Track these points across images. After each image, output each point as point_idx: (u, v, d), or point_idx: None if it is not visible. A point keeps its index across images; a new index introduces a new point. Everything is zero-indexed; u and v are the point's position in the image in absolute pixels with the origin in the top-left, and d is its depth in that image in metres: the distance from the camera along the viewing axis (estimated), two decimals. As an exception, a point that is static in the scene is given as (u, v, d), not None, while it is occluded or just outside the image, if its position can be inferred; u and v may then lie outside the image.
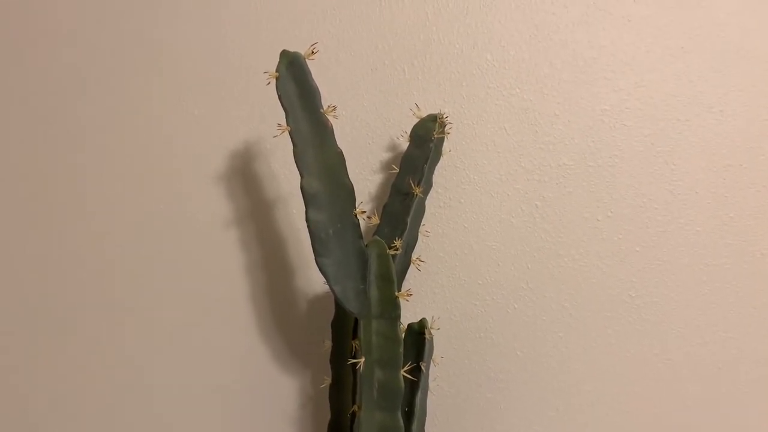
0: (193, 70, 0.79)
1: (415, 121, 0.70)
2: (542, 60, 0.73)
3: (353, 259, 0.61)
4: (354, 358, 0.61)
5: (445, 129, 0.69)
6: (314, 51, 0.59)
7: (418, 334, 0.64)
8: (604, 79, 0.72)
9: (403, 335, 0.61)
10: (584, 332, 0.73)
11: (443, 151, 0.71)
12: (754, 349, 0.70)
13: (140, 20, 0.80)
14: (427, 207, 0.71)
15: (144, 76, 0.80)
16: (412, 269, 0.69)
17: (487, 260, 0.74)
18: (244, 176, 0.78)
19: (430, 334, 0.64)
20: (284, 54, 0.59)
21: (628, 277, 0.72)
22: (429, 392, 0.67)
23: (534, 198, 0.73)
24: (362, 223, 0.64)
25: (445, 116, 0.69)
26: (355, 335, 0.65)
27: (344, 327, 0.68)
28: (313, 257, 0.59)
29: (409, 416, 0.63)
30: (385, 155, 0.76)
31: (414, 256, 0.69)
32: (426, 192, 0.69)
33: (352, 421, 0.63)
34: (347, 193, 0.61)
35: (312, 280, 0.76)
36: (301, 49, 0.61)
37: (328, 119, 0.60)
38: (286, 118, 0.59)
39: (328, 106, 0.60)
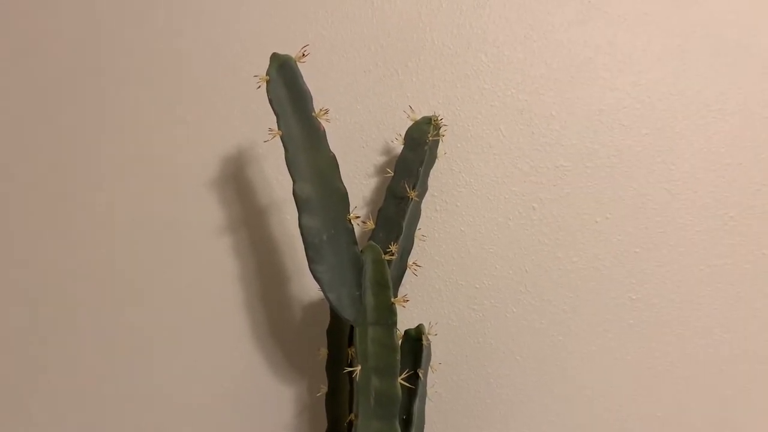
0: (184, 76, 0.78)
1: (410, 123, 0.69)
2: (537, 60, 0.72)
3: (348, 265, 0.60)
4: (350, 366, 0.61)
5: (440, 131, 0.69)
6: (305, 53, 0.58)
7: (416, 341, 0.64)
8: (600, 78, 0.72)
9: (400, 342, 0.61)
10: (584, 336, 0.72)
11: (438, 154, 0.71)
12: (755, 349, 0.70)
13: (132, 27, 0.79)
14: (422, 211, 0.71)
15: (135, 83, 0.79)
16: (408, 274, 0.69)
17: (484, 264, 0.73)
18: (236, 182, 0.77)
19: (428, 340, 0.64)
20: (275, 57, 0.58)
21: (628, 279, 0.71)
22: (427, 399, 0.66)
23: (531, 200, 0.73)
24: (357, 228, 0.63)
25: (439, 118, 0.69)
26: (351, 343, 0.64)
27: (340, 334, 0.67)
28: (307, 264, 0.58)
29: (407, 424, 0.63)
30: (380, 158, 0.75)
31: (410, 261, 0.68)
32: (421, 195, 0.69)
33: (349, 430, 0.62)
34: (341, 197, 0.60)
35: (307, 287, 0.76)
36: (293, 51, 0.60)
37: (320, 123, 0.59)
38: (277, 122, 0.58)
39: (320, 110, 0.59)
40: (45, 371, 0.80)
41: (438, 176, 0.73)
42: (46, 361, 0.80)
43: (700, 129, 0.71)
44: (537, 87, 0.72)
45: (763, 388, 0.70)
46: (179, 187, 0.78)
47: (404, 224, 0.65)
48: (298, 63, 0.59)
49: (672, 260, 0.71)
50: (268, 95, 0.57)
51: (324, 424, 0.68)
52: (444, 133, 0.70)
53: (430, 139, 0.66)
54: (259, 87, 0.57)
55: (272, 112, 0.58)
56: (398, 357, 0.59)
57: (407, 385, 0.60)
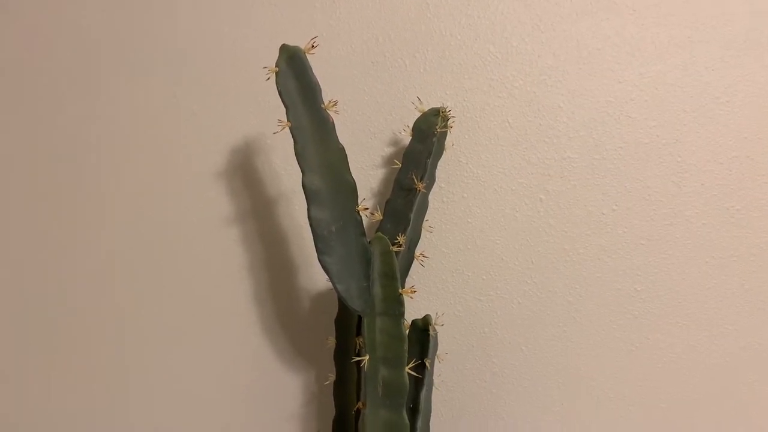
0: (192, 67, 0.78)
1: (417, 115, 0.69)
2: (546, 51, 0.72)
3: (356, 256, 0.60)
4: (358, 355, 0.61)
5: (448, 123, 0.68)
6: (314, 45, 0.58)
7: (423, 331, 0.64)
8: (608, 70, 0.71)
9: (407, 332, 0.61)
10: (590, 327, 0.72)
11: (446, 146, 0.71)
12: (760, 341, 0.70)
13: (139, 18, 0.79)
14: (430, 202, 0.71)
15: (144, 74, 0.79)
16: (415, 265, 0.69)
17: (491, 255, 0.73)
18: (245, 173, 0.78)
19: (435, 330, 0.64)
20: (284, 48, 0.58)
21: (634, 271, 0.72)
22: (434, 389, 0.67)
23: (538, 192, 0.73)
24: (365, 219, 0.63)
25: (447, 110, 0.68)
26: (358, 333, 0.65)
27: (348, 324, 0.68)
28: (316, 255, 0.58)
29: (414, 413, 0.63)
30: (387, 150, 0.75)
31: (417, 252, 0.69)
32: (429, 187, 0.69)
33: (357, 419, 0.63)
34: (349, 189, 0.60)
35: (315, 278, 0.76)
36: (301, 43, 0.60)
37: (329, 115, 0.59)
38: (286, 113, 0.58)
39: (329, 101, 0.59)
40: (55, 361, 0.80)
41: (446, 167, 0.73)
42: (57, 350, 0.80)
43: (707, 122, 0.70)
44: (545, 78, 0.72)
45: (767, 380, 0.70)
46: (188, 178, 0.78)
47: (412, 216, 0.65)
48: (307, 54, 0.58)
49: (678, 252, 0.71)
50: (277, 87, 0.57)
51: (332, 412, 0.69)
52: (452, 124, 0.70)
53: (438, 130, 0.66)
54: (269, 78, 0.57)
55: (280, 103, 0.58)
56: (406, 347, 0.59)
57: (414, 374, 0.61)
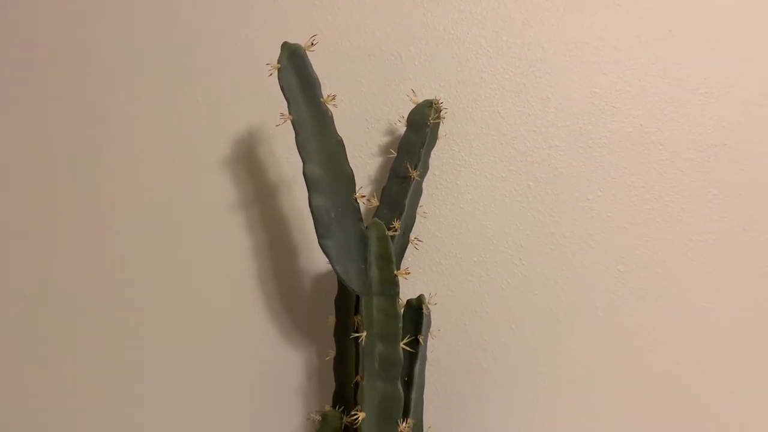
0: (197, 61, 0.80)
1: (412, 106, 0.71)
2: (534, 45, 0.74)
3: (354, 240, 0.63)
4: (356, 332, 0.64)
5: (441, 114, 0.71)
6: (314, 42, 0.61)
7: (417, 310, 0.66)
8: (594, 62, 0.74)
9: (402, 311, 0.64)
10: (575, 306, 0.75)
11: (439, 135, 0.73)
12: (736, 318, 0.73)
13: (149, 16, 0.81)
14: (424, 189, 0.73)
15: (152, 67, 0.81)
16: (410, 248, 0.72)
17: (482, 239, 0.76)
18: (249, 162, 0.80)
19: (428, 309, 0.67)
20: (285, 46, 0.61)
21: (617, 253, 0.74)
22: (427, 363, 0.69)
23: (527, 179, 0.75)
24: (362, 206, 0.66)
25: (440, 102, 0.71)
26: (357, 311, 0.67)
27: (347, 304, 0.70)
28: (317, 240, 0.61)
29: (408, 386, 0.65)
30: (384, 139, 0.77)
31: (412, 236, 0.71)
32: (423, 175, 0.71)
33: (356, 391, 0.66)
34: (348, 178, 0.63)
35: (316, 261, 0.78)
36: (301, 38, 0.63)
37: (328, 108, 0.62)
38: (288, 107, 0.61)
39: (328, 96, 0.62)
40: (65, 351, 0.82)
41: (439, 156, 0.75)
42: (65, 342, 0.82)
43: (687, 111, 0.73)
44: (533, 71, 0.74)
45: (743, 355, 0.73)
46: (194, 166, 0.80)
47: (406, 202, 0.68)
48: (307, 51, 0.61)
49: (659, 236, 0.73)
50: (279, 82, 0.60)
51: (332, 385, 0.71)
52: (444, 115, 0.72)
53: (431, 121, 0.68)
54: (271, 74, 0.60)
55: (280, 95, 0.61)
56: (400, 324, 0.62)
57: (408, 349, 0.63)
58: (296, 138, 0.61)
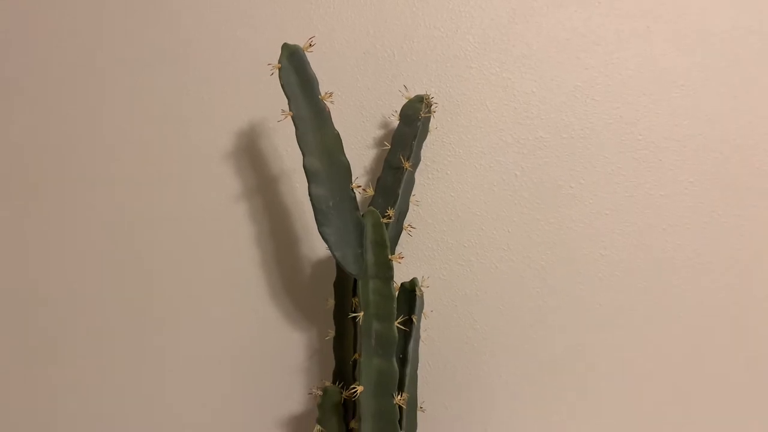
0: (202, 61, 0.82)
1: (404, 101, 0.73)
2: (519, 42, 0.77)
3: (351, 227, 0.66)
4: (354, 313, 0.66)
5: (431, 108, 0.73)
6: (312, 44, 0.64)
7: (410, 292, 0.68)
8: (576, 58, 0.76)
9: (397, 293, 0.66)
10: (559, 287, 0.77)
11: (430, 128, 0.76)
12: (710, 298, 0.75)
13: (159, 17, 0.83)
14: (416, 179, 0.75)
15: (161, 66, 0.83)
16: (404, 235, 0.74)
17: (471, 225, 0.78)
18: (251, 155, 0.82)
19: (421, 291, 0.68)
20: (285, 47, 0.63)
21: (599, 238, 0.76)
22: (421, 342, 0.71)
23: (514, 168, 0.78)
24: (358, 195, 0.68)
25: (430, 97, 0.73)
26: (354, 294, 0.69)
27: (345, 287, 0.72)
28: (316, 227, 0.64)
29: (403, 362, 0.67)
30: (378, 133, 0.80)
31: (405, 224, 0.73)
32: (415, 166, 0.73)
33: (354, 368, 0.68)
34: (344, 169, 0.66)
35: (315, 247, 0.81)
36: (299, 38, 0.65)
37: (325, 105, 0.64)
38: (288, 104, 0.63)
39: (326, 93, 0.64)
40: (75, 333, 0.85)
41: (430, 148, 0.78)
42: (76, 324, 0.85)
43: (664, 103, 0.75)
44: (519, 66, 0.77)
45: (715, 333, 0.76)
46: (199, 159, 0.82)
47: (400, 191, 0.70)
48: (305, 51, 0.64)
49: (638, 221, 0.76)
50: (280, 81, 0.62)
51: (332, 364, 0.73)
52: (435, 109, 0.74)
53: (422, 115, 0.71)
54: (272, 74, 0.63)
55: (281, 92, 0.63)
56: (395, 305, 0.64)
57: (403, 328, 0.65)
58: (296, 132, 0.63)
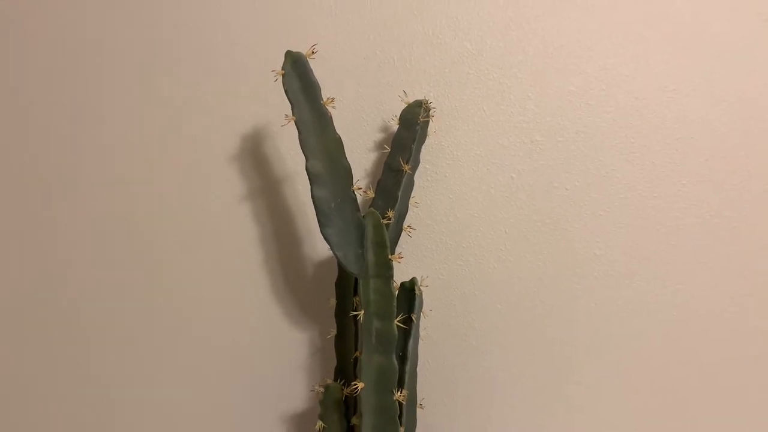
0: (208, 67, 0.83)
1: (404, 106, 0.75)
2: (516, 48, 0.78)
3: (352, 228, 0.67)
4: (355, 311, 0.67)
5: (430, 113, 0.74)
6: (314, 51, 0.66)
7: (410, 291, 0.69)
8: (570, 64, 0.77)
9: (397, 292, 0.67)
10: (556, 287, 0.78)
11: (429, 132, 0.77)
12: (703, 296, 0.77)
13: (166, 24, 0.84)
14: (416, 181, 0.76)
15: (168, 72, 0.84)
16: (404, 236, 0.76)
17: (469, 226, 0.79)
18: (255, 157, 0.83)
19: (420, 290, 0.69)
20: (288, 54, 0.65)
21: (594, 238, 0.77)
22: (420, 340, 0.72)
23: (510, 171, 0.79)
24: (359, 197, 0.69)
25: (429, 102, 0.74)
26: (355, 293, 0.71)
27: (346, 286, 0.73)
28: (318, 228, 0.65)
29: (403, 360, 0.69)
30: (378, 136, 0.81)
31: (405, 225, 0.74)
32: (414, 168, 0.74)
33: (355, 366, 0.69)
34: (346, 172, 0.67)
35: (317, 248, 0.82)
36: (303, 43, 0.67)
37: (327, 109, 0.66)
38: (291, 109, 0.65)
39: (327, 98, 0.66)
40: (78, 332, 0.86)
41: (429, 151, 0.79)
42: (79, 323, 0.86)
43: (657, 107, 0.76)
44: (515, 72, 0.78)
45: (712, 331, 0.77)
46: (205, 161, 0.83)
47: (400, 193, 0.71)
48: (308, 58, 0.65)
49: (631, 222, 0.77)
50: (283, 87, 0.64)
51: (333, 361, 0.75)
52: (433, 113, 0.76)
53: (421, 119, 0.72)
54: (276, 80, 0.64)
55: (284, 96, 0.64)
56: (395, 303, 0.65)
57: (402, 326, 0.66)
58: (299, 136, 0.65)
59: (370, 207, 0.71)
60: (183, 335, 0.86)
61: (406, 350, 0.69)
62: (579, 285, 0.79)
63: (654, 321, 0.78)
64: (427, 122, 0.75)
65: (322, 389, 0.71)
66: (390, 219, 0.69)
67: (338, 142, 0.67)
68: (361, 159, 0.81)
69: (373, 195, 0.73)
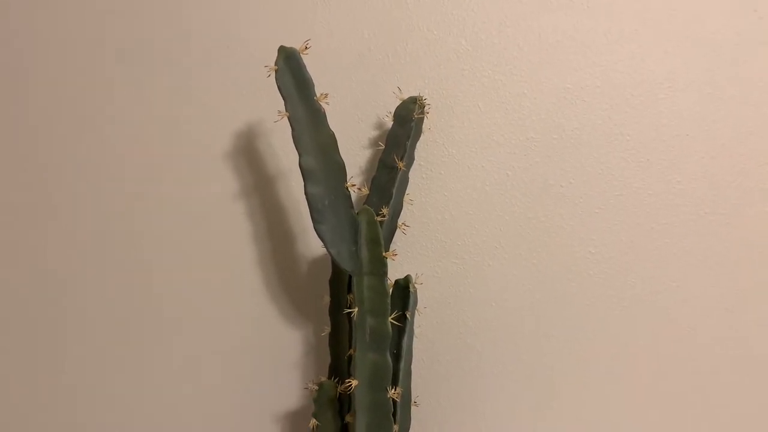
0: (201, 62, 0.83)
1: (398, 102, 0.75)
2: (511, 44, 0.78)
3: (346, 225, 0.67)
4: (349, 309, 0.67)
5: (425, 109, 0.74)
6: (308, 46, 0.66)
7: (404, 288, 0.70)
8: (565, 60, 0.77)
9: (391, 289, 0.68)
10: (550, 285, 0.78)
11: (424, 129, 0.77)
12: (696, 293, 0.77)
13: (158, 19, 0.84)
14: (410, 178, 0.76)
15: (160, 68, 0.84)
16: (398, 233, 0.76)
17: (464, 224, 0.80)
18: (248, 154, 0.83)
19: (414, 287, 0.70)
20: (282, 49, 0.65)
21: (589, 236, 0.78)
22: (414, 338, 0.73)
23: (505, 168, 0.79)
24: (353, 194, 0.69)
25: (424, 98, 0.74)
26: (349, 290, 0.71)
27: (340, 283, 0.73)
28: (312, 225, 0.65)
29: (397, 357, 0.69)
30: (373, 133, 0.81)
31: (400, 222, 0.74)
32: (409, 165, 0.74)
33: (349, 363, 0.69)
34: (339, 169, 0.67)
35: (311, 245, 0.82)
36: (297, 40, 0.66)
37: (321, 106, 0.66)
38: (284, 105, 0.65)
39: (321, 94, 0.66)
40: (72, 331, 0.86)
41: (424, 148, 0.79)
42: (74, 322, 0.86)
43: (652, 104, 0.76)
44: (510, 68, 0.78)
45: (707, 328, 0.77)
46: (198, 158, 0.83)
47: (394, 190, 0.71)
48: (301, 54, 0.65)
49: (627, 219, 0.77)
50: (276, 83, 0.64)
51: (328, 359, 0.75)
52: (428, 110, 0.76)
53: (416, 116, 0.72)
54: (269, 76, 0.64)
55: (277, 93, 0.64)
56: (389, 300, 0.66)
57: (397, 323, 0.66)
58: (292, 133, 0.65)
59: (364, 204, 0.72)
60: (176, 333, 0.86)
61: (400, 348, 0.70)
62: (573, 282, 0.79)
63: (648, 318, 0.78)
64: (422, 119, 0.75)
65: (316, 387, 0.71)
66: (384, 216, 0.70)
67: (332, 139, 0.67)
68: (356, 156, 0.81)
69: (368, 192, 0.73)
